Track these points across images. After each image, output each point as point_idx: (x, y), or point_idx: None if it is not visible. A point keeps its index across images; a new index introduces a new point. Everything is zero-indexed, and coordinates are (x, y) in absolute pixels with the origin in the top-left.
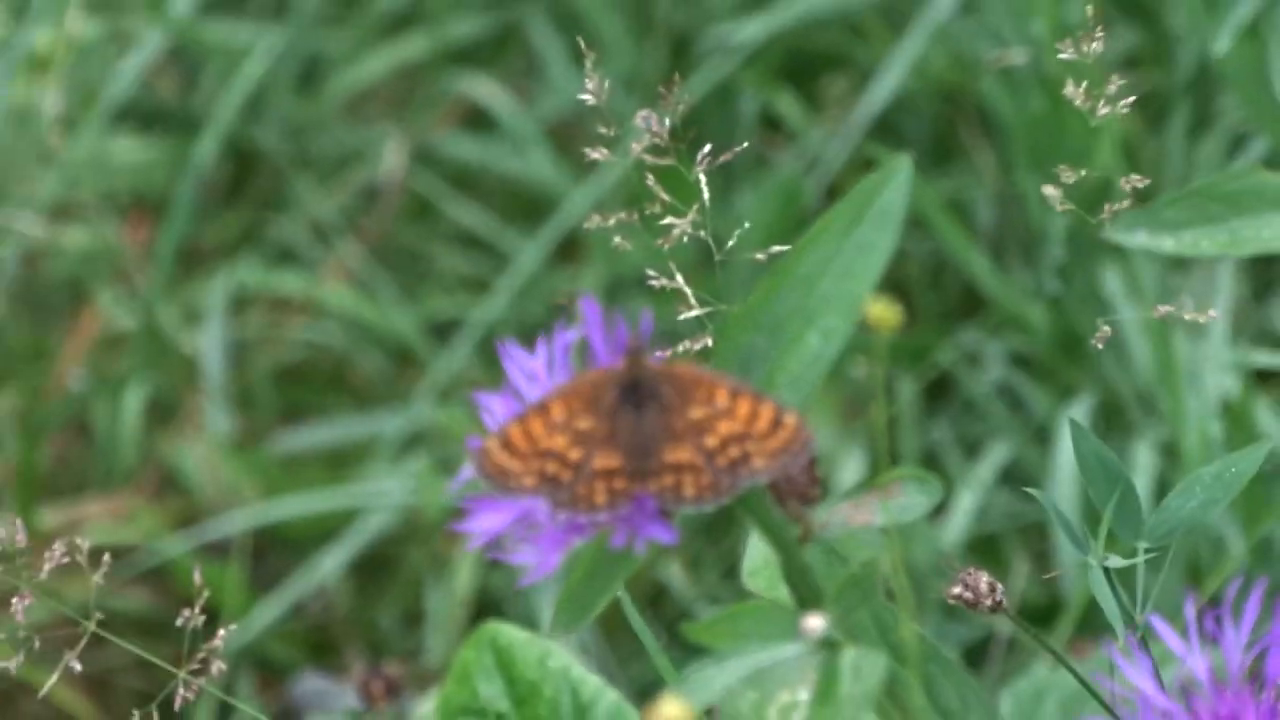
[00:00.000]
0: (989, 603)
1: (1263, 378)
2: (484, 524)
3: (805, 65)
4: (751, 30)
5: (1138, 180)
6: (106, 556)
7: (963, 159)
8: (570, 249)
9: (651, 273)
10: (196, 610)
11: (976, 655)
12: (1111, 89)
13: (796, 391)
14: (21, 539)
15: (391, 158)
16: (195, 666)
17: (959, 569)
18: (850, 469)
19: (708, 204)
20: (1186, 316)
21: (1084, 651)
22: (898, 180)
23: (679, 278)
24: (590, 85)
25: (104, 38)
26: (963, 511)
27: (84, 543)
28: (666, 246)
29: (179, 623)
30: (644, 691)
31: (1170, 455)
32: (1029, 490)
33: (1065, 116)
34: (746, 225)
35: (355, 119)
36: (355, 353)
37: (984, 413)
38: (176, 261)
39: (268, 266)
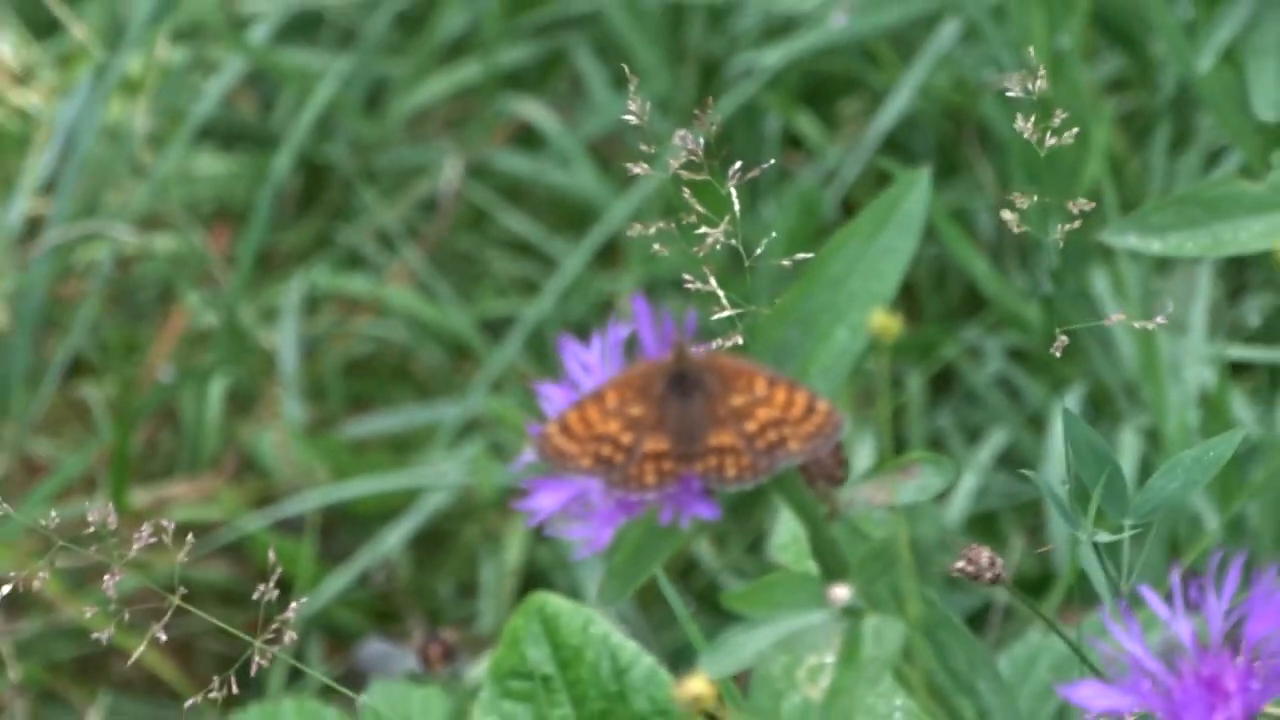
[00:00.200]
0: (989, 575)
1: (1237, 370)
2: (543, 502)
3: (823, 89)
4: (774, 57)
5: (1085, 204)
6: (190, 535)
7: (965, 173)
8: (610, 254)
9: (687, 276)
10: (271, 583)
11: (977, 622)
12: (1058, 122)
13: (828, 381)
14: (113, 520)
15: (449, 172)
16: (270, 635)
17: (962, 545)
18: (864, 453)
19: (737, 214)
20: (1163, 321)
21: (1074, 619)
22: (917, 191)
23: (713, 281)
24: (633, 107)
25: (189, 63)
26: (964, 492)
27: (169, 524)
28: (701, 253)
29: (256, 595)
30: (675, 656)
31: (1153, 440)
32: (1025, 473)
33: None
34: (774, 234)
35: (416, 137)
36: (416, 348)
37: (984, 402)
38: (255, 265)
39: (337, 270)
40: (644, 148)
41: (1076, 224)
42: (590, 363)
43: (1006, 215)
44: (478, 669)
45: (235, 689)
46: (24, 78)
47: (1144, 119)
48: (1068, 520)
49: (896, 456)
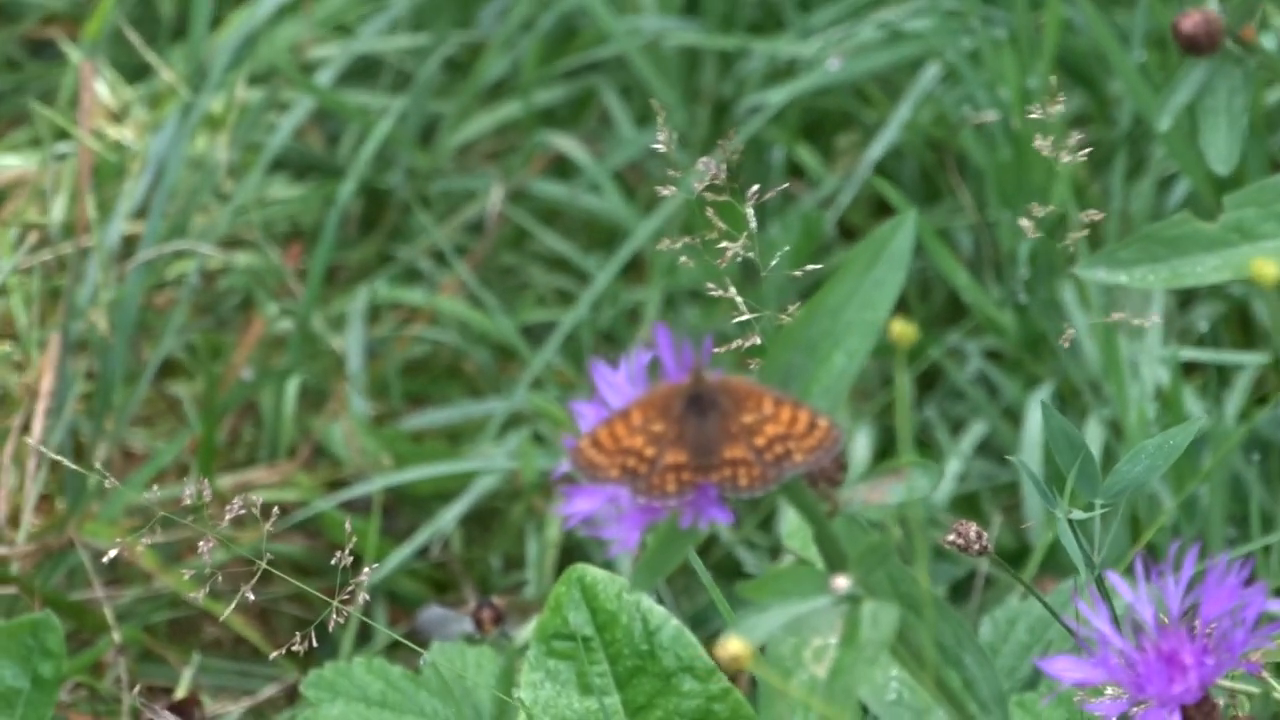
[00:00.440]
0: (977, 548)
1: (1188, 369)
2: (578, 507)
3: (821, 124)
4: (778, 96)
5: (1095, 214)
6: (275, 509)
7: (947, 197)
8: (636, 268)
9: (710, 285)
10: (346, 552)
11: (962, 590)
12: (1071, 142)
13: (828, 399)
14: (208, 493)
15: (493, 197)
16: (345, 596)
17: (949, 522)
18: (860, 445)
19: (754, 231)
20: (1134, 322)
21: (1047, 587)
22: (905, 230)
23: (732, 289)
24: (661, 137)
25: (264, 103)
26: (949, 476)
27: (257, 498)
28: (723, 264)
29: (332, 562)
30: (695, 618)
31: (1115, 430)
32: (1009, 458)
33: (1028, 163)
34: (786, 249)
35: (463, 167)
36: (467, 351)
37: (965, 397)
38: (324, 279)
39: (396, 283)
40: (671, 172)
41: (1084, 233)
42: (619, 384)
43: (1024, 223)
44: (525, 631)
45: (314, 643)
46: (119, 116)
47: (1103, 149)
48: (1046, 500)
49: (892, 448)
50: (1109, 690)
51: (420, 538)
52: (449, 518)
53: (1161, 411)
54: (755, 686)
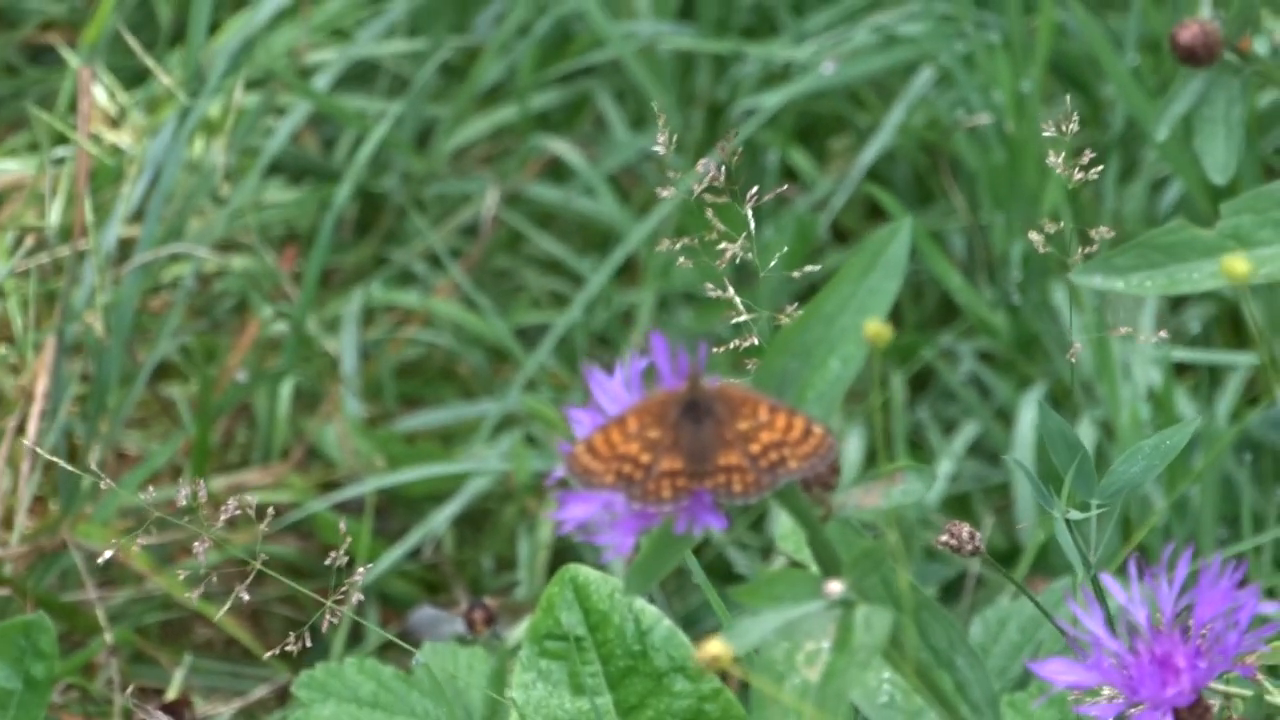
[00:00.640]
0: (969, 548)
1: (1180, 370)
2: (573, 512)
3: (815, 128)
4: (772, 100)
5: (1106, 231)
6: (269, 511)
7: (940, 200)
8: (629, 271)
9: (709, 286)
10: (340, 553)
11: (953, 590)
12: (1084, 160)
13: (822, 406)
14: (203, 494)
15: (488, 200)
16: (339, 596)
17: (941, 523)
18: (852, 446)
19: (753, 233)
20: (1130, 335)
21: (1038, 588)
22: (900, 239)
23: (731, 290)
24: (660, 139)
25: (261, 107)
26: (941, 476)
27: (251, 500)
28: (722, 265)
29: (327, 562)
30: (686, 619)
31: (1107, 431)
32: (1004, 457)
33: (1021, 166)
34: (785, 249)
35: (459, 171)
36: (460, 353)
37: (958, 398)
38: (319, 282)
39: (390, 285)
40: (670, 174)
41: (1094, 248)
42: (614, 391)
43: (1034, 236)
44: (516, 631)
45: (307, 644)
46: (117, 120)
47: (1096, 151)
48: (1043, 500)
49: (886, 448)
50: (1105, 691)
51: (413, 539)
52: (441, 519)
53: (1154, 412)
54: (747, 687)
